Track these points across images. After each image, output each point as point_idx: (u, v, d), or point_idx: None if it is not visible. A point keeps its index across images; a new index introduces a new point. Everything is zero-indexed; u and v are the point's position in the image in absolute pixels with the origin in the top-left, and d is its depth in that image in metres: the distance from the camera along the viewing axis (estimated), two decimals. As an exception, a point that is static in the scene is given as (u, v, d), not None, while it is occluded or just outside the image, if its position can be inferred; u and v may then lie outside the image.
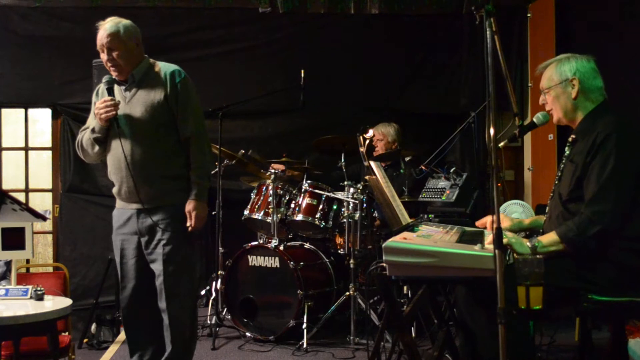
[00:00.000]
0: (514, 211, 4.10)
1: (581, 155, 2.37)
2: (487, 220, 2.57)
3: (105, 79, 2.93)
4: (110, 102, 2.84)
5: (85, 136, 3.01)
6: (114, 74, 2.93)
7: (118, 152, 2.88)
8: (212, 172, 4.44)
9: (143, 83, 2.94)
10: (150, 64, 2.99)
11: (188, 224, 2.88)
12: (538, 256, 2.00)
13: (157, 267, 2.90)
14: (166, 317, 2.89)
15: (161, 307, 2.91)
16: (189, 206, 2.89)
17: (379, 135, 4.78)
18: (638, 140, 2.34)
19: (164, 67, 2.97)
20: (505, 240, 2.13)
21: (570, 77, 2.46)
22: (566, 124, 2.55)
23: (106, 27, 2.88)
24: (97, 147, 2.97)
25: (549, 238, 2.31)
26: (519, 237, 2.39)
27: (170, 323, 2.89)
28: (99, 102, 2.88)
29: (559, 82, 2.47)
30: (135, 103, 2.91)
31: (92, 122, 2.96)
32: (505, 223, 2.65)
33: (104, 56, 2.90)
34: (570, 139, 2.54)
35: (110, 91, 2.89)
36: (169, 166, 2.93)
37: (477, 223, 2.62)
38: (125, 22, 2.93)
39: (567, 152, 2.53)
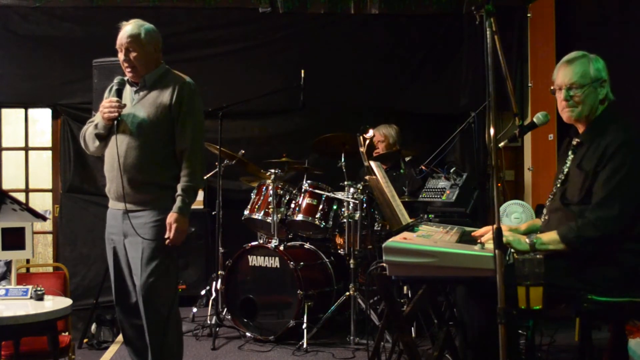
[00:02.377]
0: (514, 211, 4.11)
1: (590, 163, 2.34)
2: (482, 231, 2.54)
3: (117, 79, 2.94)
4: (116, 103, 2.85)
5: (89, 129, 3.02)
6: (128, 75, 2.95)
7: (114, 151, 2.88)
8: (212, 172, 4.47)
9: (153, 89, 2.94)
10: (165, 71, 2.99)
11: (166, 236, 2.85)
12: (538, 256, 2.00)
13: (135, 270, 2.89)
14: (144, 321, 2.88)
15: (140, 310, 2.89)
16: (170, 218, 2.85)
17: (381, 136, 4.78)
18: None
19: (176, 77, 2.97)
20: (503, 239, 2.12)
21: (604, 77, 2.41)
22: (578, 122, 2.49)
23: (128, 28, 2.89)
24: (97, 142, 2.98)
25: (549, 236, 2.31)
26: (516, 234, 2.39)
27: (147, 328, 2.87)
28: (106, 101, 2.90)
29: (593, 81, 2.40)
30: (141, 107, 2.92)
31: (98, 117, 2.97)
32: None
33: (121, 55, 2.90)
34: (574, 143, 2.50)
35: (120, 93, 2.91)
36: (161, 175, 2.91)
37: (474, 234, 2.58)
38: (148, 25, 2.94)
39: (572, 155, 2.50)
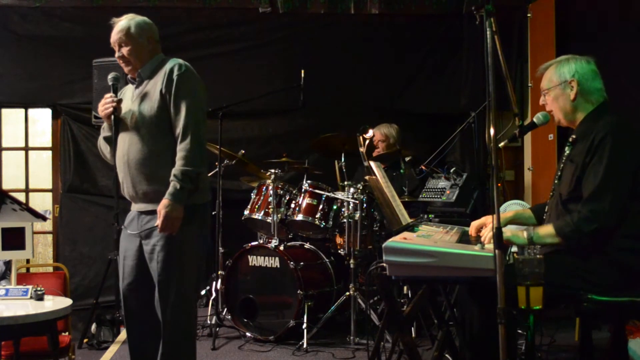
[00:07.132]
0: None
1: (581, 156, 2.38)
2: (479, 222, 2.57)
3: (111, 75, 2.92)
4: (109, 98, 2.81)
5: (100, 136, 3.01)
6: (126, 71, 2.92)
7: (119, 150, 2.86)
8: (212, 172, 4.47)
9: (150, 81, 2.88)
10: (161, 62, 2.90)
11: (156, 224, 2.74)
12: (538, 256, 2.00)
13: (153, 272, 2.86)
14: (161, 320, 2.85)
15: (157, 310, 2.86)
16: (160, 205, 2.71)
17: (381, 136, 4.78)
18: (634, 140, 2.35)
19: (168, 63, 2.88)
20: (503, 237, 2.12)
21: (569, 78, 2.47)
22: (566, 125, 2.57)
23: (119, 23, 2.86)
24: (108, 147, 2.94)
25: (546, 230, 2.34)
26: (514, 229, 2.41)
27: (163, 326, 2.84)
28: (102, 98, 2.88)
29: (558, 84, 2.49)
30: (139, 102, 2.87)
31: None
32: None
33: (116, 52, 2.88)
34: (570, 139, 2.54)
35: (114, 88, 2.89)
36: (166, 167, 2.80)
37: (474, 223, 2.60)
38: (139, 18, 2.89)
39: (567, 152, 2.54)
